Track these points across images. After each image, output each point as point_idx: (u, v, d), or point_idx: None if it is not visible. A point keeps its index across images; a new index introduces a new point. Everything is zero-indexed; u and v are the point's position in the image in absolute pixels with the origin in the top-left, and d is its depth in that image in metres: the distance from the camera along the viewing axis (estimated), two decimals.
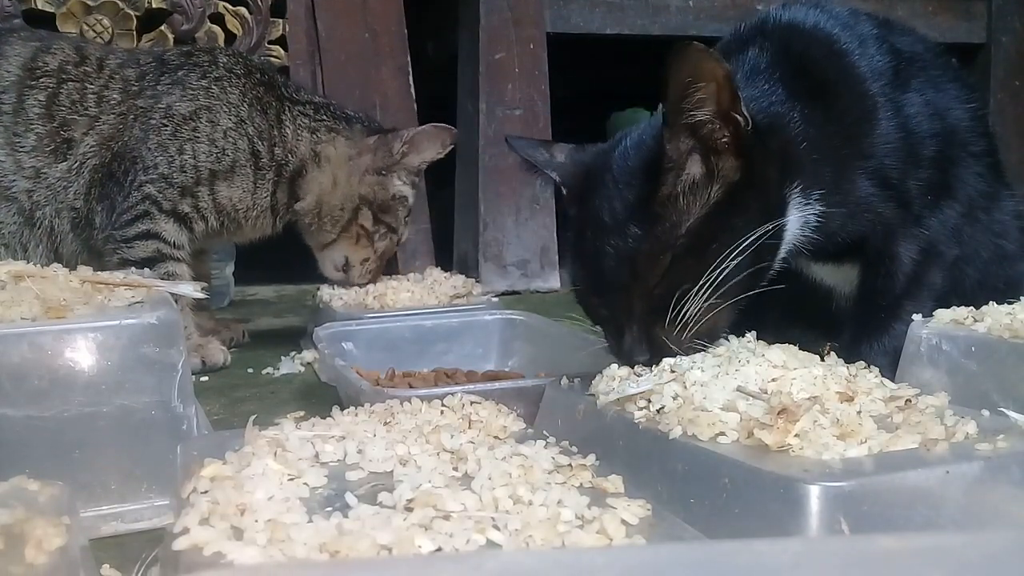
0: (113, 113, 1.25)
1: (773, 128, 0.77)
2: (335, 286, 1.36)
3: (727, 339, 0.74)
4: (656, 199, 0.73)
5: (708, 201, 0.73)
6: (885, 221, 0.84)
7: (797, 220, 0.79)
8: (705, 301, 0.71)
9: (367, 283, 1.35)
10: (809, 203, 0.79)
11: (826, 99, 0.81)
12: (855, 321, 0.88)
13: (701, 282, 0.71)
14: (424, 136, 1.35)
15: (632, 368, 0.72)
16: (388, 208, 1.34)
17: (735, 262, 0.71)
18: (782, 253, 0.79)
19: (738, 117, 0.71)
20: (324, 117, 1.34)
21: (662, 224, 0.72)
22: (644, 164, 0.75)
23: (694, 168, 0.73)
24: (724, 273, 0.71)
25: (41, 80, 1.25)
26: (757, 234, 0.72)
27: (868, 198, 0.83)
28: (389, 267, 1.45)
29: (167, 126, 1.24)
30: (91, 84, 1.26)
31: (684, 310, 0.72)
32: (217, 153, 1.26)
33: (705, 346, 0.72)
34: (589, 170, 0.81)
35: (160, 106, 1.25)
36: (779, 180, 0.77)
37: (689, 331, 0.72)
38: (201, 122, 1.25)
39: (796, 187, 0.78)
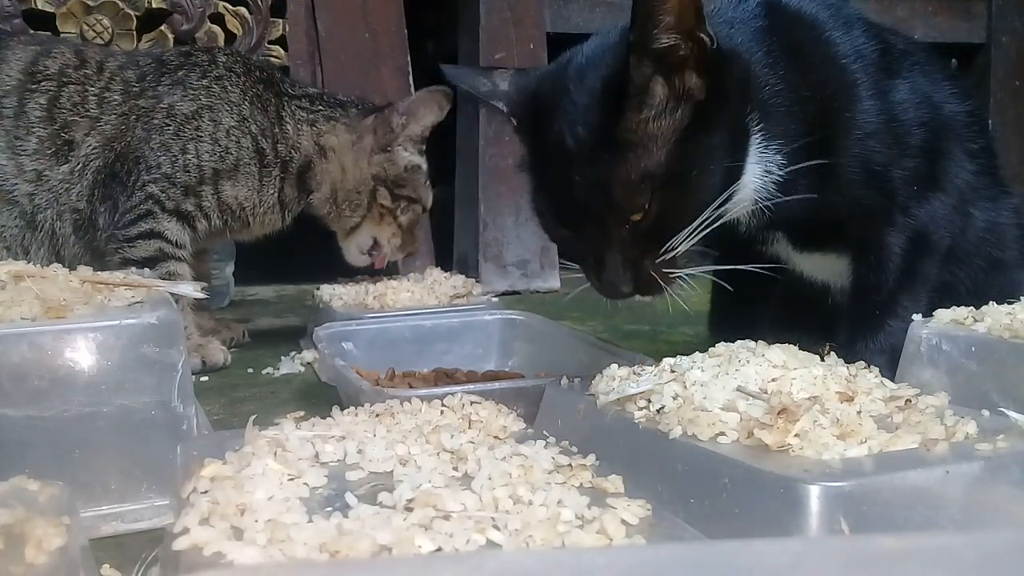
0: (114, 114, 1.26)
1: (738, 63, 0.77)
2: (335, 286, 1.36)
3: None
4: (624, 124, 0.71)
5: (679, 125, 0.72)
6: (867, 208, 0.83)
7: (757, 161, 0.78)
8: (696, 228, 0.71)
9: (398, 255, 1.38)
10: (769, 147, 0.78)
11: (801, 67, 0.81)
12: (850, 319, 0.88)
13: (689, 209, 0.70)
14: (419, 103, 1.36)
15: (618, 299, 0.71)
16: (403, 181, 1.35)
17: (714, 184, 0.71)
18: (747, 193, 0.78)
19: (702, 36, 0.70)
20: (320, 107, 1.34)
21: (635, 150, 0.71)
22: (605, 87, 0.73)
23: (659, 91, 0.72)
24: (708, 197, 0.71)
25: (42, 84, 1.25)
26: (727, 149, 0.72)
27: (848, 181, 0.82)
28: (390, 268, 1.44)
29: (170, 126, 1.25)
30: (92, 86, 1.26)
31: (674, 239, 0.71)
32: (220, 152, 1.26)
33: (684, 278, 0.72)
34: (538, 95, 0.79)
35: (162, 106, 1.26)
36: (740, 105, 0.76)
37: (674, 259, 0.72)
38: (203, 121, 1.26)
39: (756, 124, 0.77)
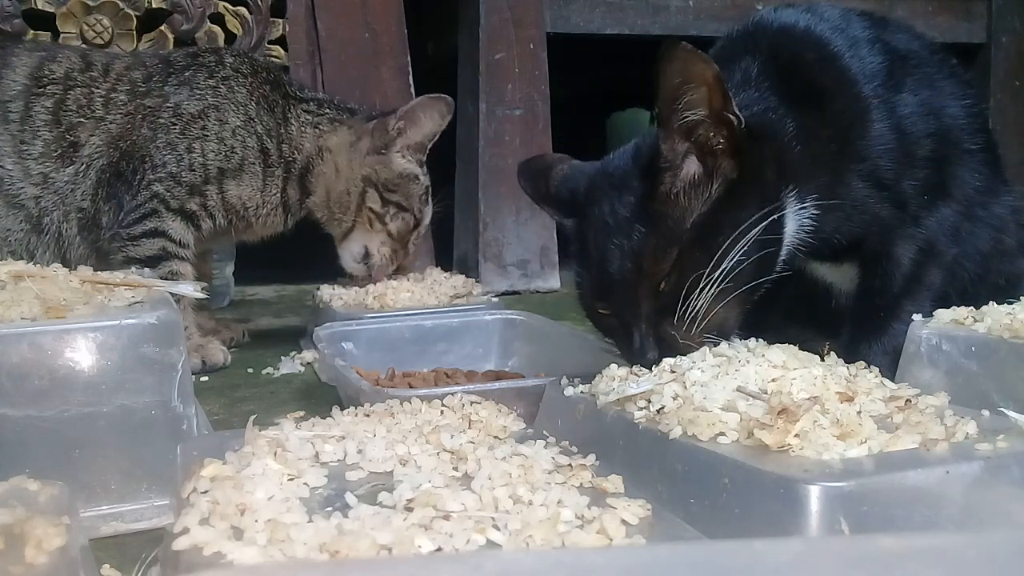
0: (120, 113, 1.26)
1: (766, 134, 0.78)
2: (335, 286, 1.36)
3: (738, 338, 0.74)
4: (656, 197, 0.74)
5: (710, 198, 0.74)
6: (881, 222, 0.85)
7: (793, 222, 0.79)
8: (712, 292, 0.72)
9: (390, 267, 1.34)
10: (804, 206, 0.79)
11: (818, 103, 0.82)
12: (854, 321, 0.88)
13: (707, 273, 0.72)
14: (419, 108, 1.34)
15: (647, 367, 0.70)
16: (395, 186, 1.33)
17: (740, 253, 0.72)
18: (783, 252, 0.80)
19: (731, 117, 0.72)
20: (327, 111, 1.35)
21: (665, 222, 0.73)
22: (642, 166, 0.76)
23: (691, 167, 0.74)
24: (730, 263, 0.72)
25: (48, 88, 1.26)
26: (760, 226, 0.73)
27: (864, 200, 0.83)
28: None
29: (176, 125, 1.25)
30: (98, 88, 1.27)
31: (693, 303, 0.72)
32: (226, 151, 1.26)
33: (716, 340, 0.72)
34: (587, 189, 0.82)
35: (168, 105, 1.26)
36: (775, 182, 0.77)
37: (698, 325, 0.72)
38: (209, 120, 1.26)
39: (792, 191, 0.78)
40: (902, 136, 0.84)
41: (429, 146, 1.37)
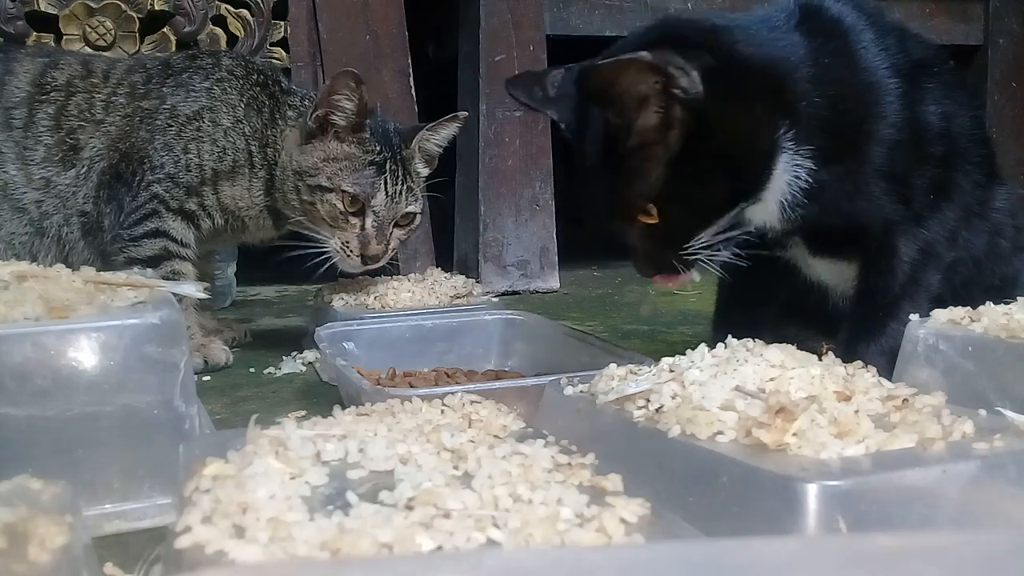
0: (119, 115, 1.27)
1: (762, 72, 0.81)
2: (336, 286, 1.36)
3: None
4: (619, 150, 0.80)
5: (671, 151, 0.79)
6: (886, 215, 0.85)
7: (787, 169, 0.82)
8: (712, 238, 0.82)
9: (348, 259, 1.23)
10: (799, 154, 0.82)
11: (840, 74, 0.84)
12: (852, 321, 0.89)
13: (696, 224, 0.82)
14: (329, 91, 1.22)
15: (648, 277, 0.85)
16: (317, 171, 1.21)
17: (720, 206, 0.81)
18: (771, 197, 0.84)
19: (674, 91, 0.77)
20: (301, 104, 1.30)
21: (629, 173, 0.81)
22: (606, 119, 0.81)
23: (651, 119, 0.79)
24: (714, 215, 0.81)
25: (51, 94, 1.26)
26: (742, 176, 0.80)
27: (869, 185, 0.84)
28: (388, 268, 1.42)
29: (172, 126, 1.26)
30: (98, 93, 1.28)
31: (693, 243, 0.83)
32: (219, 152, 1.26)
33: (704, 262, 0.84)
34: (577, 100, 0.87)
35: (165, 107, 1.27)
36: (766, 119, 0.81)
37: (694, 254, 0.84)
38: (204, 122, 1.27)
39: (787, 132, 0.81)
40: (919, 131, 0.85)
41: (366, 121, 1.25)
